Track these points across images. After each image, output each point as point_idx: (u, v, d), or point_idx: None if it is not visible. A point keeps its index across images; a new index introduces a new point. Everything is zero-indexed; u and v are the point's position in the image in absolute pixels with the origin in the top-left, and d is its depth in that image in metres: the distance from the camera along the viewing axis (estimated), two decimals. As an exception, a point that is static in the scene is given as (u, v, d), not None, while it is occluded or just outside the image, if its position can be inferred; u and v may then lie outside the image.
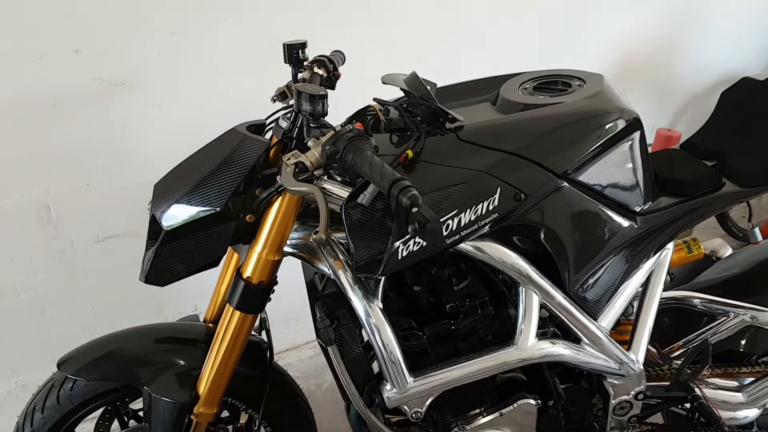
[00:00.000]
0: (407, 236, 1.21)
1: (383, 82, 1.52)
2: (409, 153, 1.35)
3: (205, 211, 1.34)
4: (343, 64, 1.85)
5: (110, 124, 2.05)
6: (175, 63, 2.09)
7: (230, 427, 1.77)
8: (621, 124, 1.48)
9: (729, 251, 2.12)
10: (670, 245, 1.68)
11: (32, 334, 2.24)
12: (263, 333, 1.66)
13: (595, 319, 1.56)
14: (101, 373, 1.54)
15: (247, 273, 1.41)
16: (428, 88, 1.46)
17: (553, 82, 1.62)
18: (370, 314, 1.39)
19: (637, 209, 1.57)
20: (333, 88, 1.72)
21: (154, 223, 1.40)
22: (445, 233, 1.34)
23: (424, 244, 1.33)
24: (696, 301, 1.94)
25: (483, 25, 2.64)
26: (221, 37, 2.12)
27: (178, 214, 1.36)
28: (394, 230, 1.21)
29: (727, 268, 2.03)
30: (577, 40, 2.96)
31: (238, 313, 1.45)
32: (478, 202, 1.34)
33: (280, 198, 1.37)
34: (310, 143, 1.28)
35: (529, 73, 1.68)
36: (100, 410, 1.69)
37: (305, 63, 1.64)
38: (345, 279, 1.39)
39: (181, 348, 1.61)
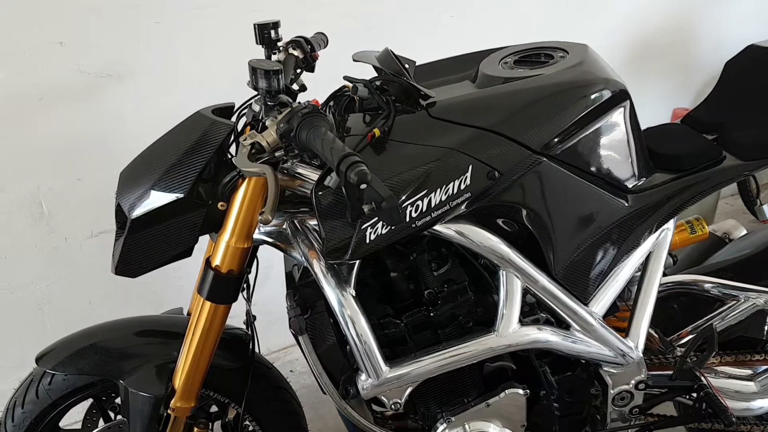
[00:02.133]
0: (364, 216, 1.15)
1: (354, 60, 1.46)
2: (376, 132, 1.29)
3: (169, 198, 1.30)
4: (325, 47, 1.80)
5: (98, 117, 2.04)
6: (162, 52, 2.06)
7: (218, 423, 1.74)
8: (605, 95, 1.39)
9: (743, 233, 2.00)
10: (670, 225, 1.58)
11: (30, 331, 2.23)
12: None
13: (586, 304, 1.48)
14: (77, 367, 1.51)
15: (216, 262, 1.37)
16: (403, 65, 1.40)
17: (535, 55, 1.53)
18: (343, 303, 1.33)
19: (629, 186, 1.48)
20: (312, 70, 1.66)
21: (121, 213, 1.36)
22: (415, 214, 1.27)
23: (393, 226, 1.27)
24: (706, 285, 1.83)
25: (484, 3, 2.56)
26: (209, 24, 2.08)
27: (142, 202, 1.32)
28: (348, 210, 1.15)
29: (739, 250, 1.92)
30: (590, 17, 2.85)
31: (209, 304, 1.40)
32: (449, 181, 1.28)
33: (245, 182, 1.32)
34: (267, 122, 1.23)
35: (512, 47, 1.60)
36: (88, 403, 1.66)
37: (279, 44, 1.59)
38: (318, 267, 1.33)
39: (159, 341, 1.58)
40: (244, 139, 1.21)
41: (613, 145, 1.44)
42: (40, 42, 1.92)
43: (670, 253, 1.72)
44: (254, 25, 1.55)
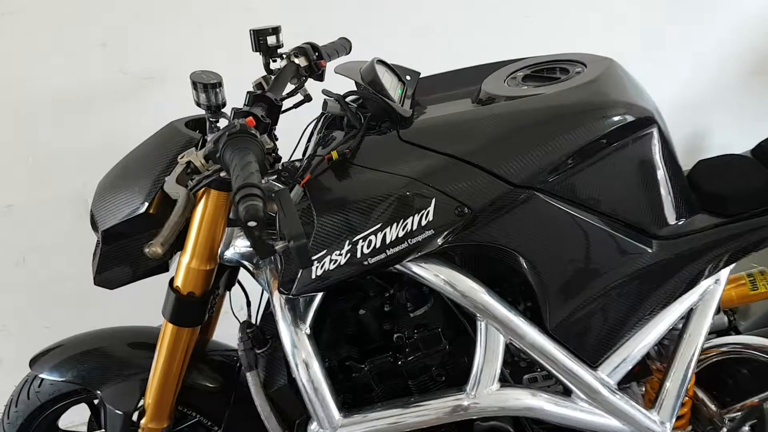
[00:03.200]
0: (276, 253, 1.00)
1: (336, 72, 1.32)
2: (333, 154, 1.14)
3: (134, 211, 1.24)
4: (347, 53, 1.66)
5: (139, 118, 2.02)
6: (202, 55, 2.01)
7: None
8: (619, 120, 1.15)
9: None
10: (722, 277, 1.29)
11: (81, 323, 2.29)
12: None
13: (594, 368, 1.24)
14: (61, 374, 1.51)
15: (177, 283, 1.29)
16: (402, 77, 1.26)
17: (549, 69, 1.31)
18: (296, 342, 1.20)
19: (656, 230, 1.22)
20: (321, 78, 1.54)
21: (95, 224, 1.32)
22: (367, 250, 1.11)
23: (342, 262, 1.12)
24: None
25: (566, 6, 2.29)
26: (250, 26, 2.01)
27: (112, 214, 1.27)
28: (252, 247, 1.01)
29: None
30: (692, 24, 2.47)
31: (171, 326, 1.33)
32: (407, 215, 1.10)
33: (203, 197, 1.22)
34: (208, 139, 1.12)
35: (529, 58, 1.38)
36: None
37: (280, 51, 1.48)
38: (276, 299, 1.21)
39: (144, 355, 1.53)
40: (181, 157, 1.11)
41: (633, 180, 1.19)
42: (83, 43, 1.94)
43: (725, 311, 1.43)
44: (250, 31, 1.45)
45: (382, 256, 1.11)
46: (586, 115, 1.13)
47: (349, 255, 1.11)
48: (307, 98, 1.51)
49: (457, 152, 1.11)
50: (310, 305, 1.21)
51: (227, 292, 1.47)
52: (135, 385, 1.46)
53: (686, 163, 1.32)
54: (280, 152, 1.26)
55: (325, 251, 1.12)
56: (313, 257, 1.12)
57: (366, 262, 1.11)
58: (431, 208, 1.10)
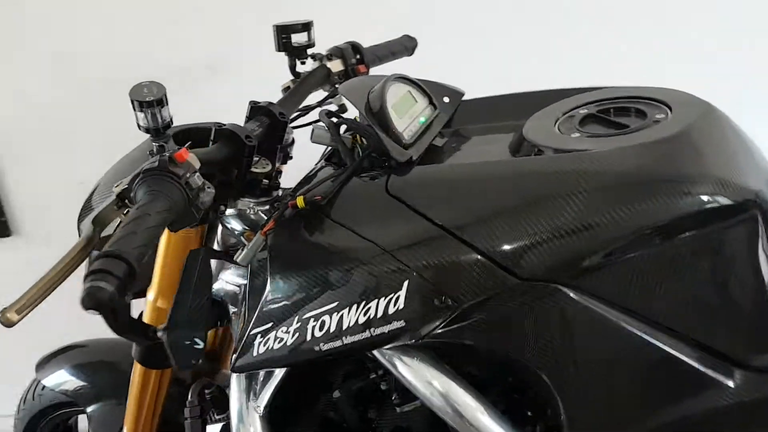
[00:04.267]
0: (157, 339, 0.78)
1: (339, 93, 1.06)
2: (299, 201, 0.89)
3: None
4: (408, 53, 1.39)
5: (194, 108, 1.89)
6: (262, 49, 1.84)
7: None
8: (700, 202, 0.78)
9: None
10: None
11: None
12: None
13: None
14: (57, 384, 1.43)
15: (145, 320, 1.11)
16: (437, 98, 0.98)
17: (620, 110, 0.94)
18: (243, 419, 0.98)
19: (742, 357, 0.84)
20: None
21: None
22: (319, 333, 0.85)
23: (289, 342, 0.87)
24: None
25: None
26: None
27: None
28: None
29: None
30: None
31: (139, 366, 1.16)
32: (370, 297, 0.83)
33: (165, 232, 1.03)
34: None
35: (604, 89, 1.01)
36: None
37: (309, 51, 1.24)
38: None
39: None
40: (116, 186, 0.91)
41: (713, 284, 0.82)
42: (139, 35, 1.83)
43: None
44: (273, 26, 1.22)
45: (338, 344, 0.85)
46: (649, 188, 0.78)
47: (297, 335, 0.86)
48: (342, 108, 1.26)
49: (450, 223, 0.81)
50: (268, 380, 0.98)
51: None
52: (121, 412, 1.33)
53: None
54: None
55: (270, 324, 0.88)
56: (256, 329, 0.88)
57: (317, 348, 0.86)
58: (402, 293, 0.81)
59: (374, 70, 1.32)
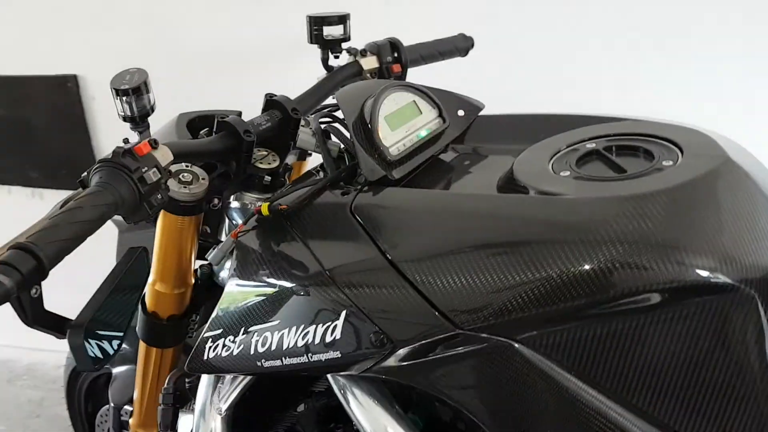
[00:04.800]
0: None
1: (334, 97, 1.00)
2: (263, 208, 0.86)
3: None
4: (462, 54, 1.31)
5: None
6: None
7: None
8: (684, 279, 0.66)
9: None
10: None
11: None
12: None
13: None
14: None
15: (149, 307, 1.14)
16: (450, 111, 0.92)
17: (626, 148, 0.82)
18: (204, 417, 0.97)
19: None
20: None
21: None
22: (261, 349, 0.83)
23: (234, 352, 0.85)
24: None
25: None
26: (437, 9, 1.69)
27: None
28: None
29: None
30: None
31: (143, 344, 1.19)
32: (309, 322, 0.78)
33: (162, 217, 1.04)
34: None
35: (623, 122, 0.89)
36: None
37: (343, 45, 1.19)
38: None
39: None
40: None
41: (681, 365, 0.70)
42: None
43: None
44: (307, 17, 1.18)
45: (278, 363, 0.81)
46: (620, 250, 0.67)
47: (242, 347, 0.84)
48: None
49: (398, 257, 0.75)
50: (234, 383, 0.96)
51: None
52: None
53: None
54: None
55: (220, 330, 0.86)
56: (208, 333, 0.87)
57: (260, 364, 0.83)
58: (339, 323, 0.76)
59: (417, 71, 1.26)
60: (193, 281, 1.08)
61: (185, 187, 0.96)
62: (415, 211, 0.80)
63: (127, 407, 1.40)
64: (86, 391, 1.65)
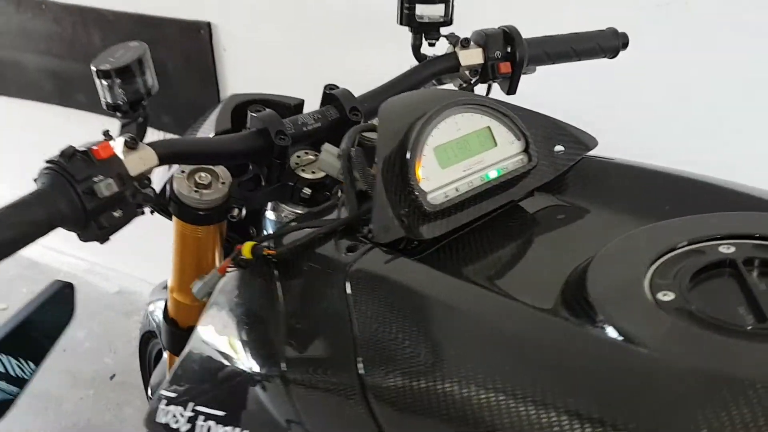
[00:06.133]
0: None
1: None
2: (245, 248, 0.65)
3: None
4: (609, 56, 1.01)
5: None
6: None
7: None
8: None
9: None
10: None
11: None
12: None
13: None
14: (152, 311, 1.40)
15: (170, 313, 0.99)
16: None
17: None
18: None
19: None
20: (510, 92, 0.94)
21: None
22: (206, 438, 0.62)
23: (181, 430, 0.66)
24: None
25: None
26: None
27: None
28: None
29: None
30: None
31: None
32: (251, 428, 0.56)
33: (175, 224, 0.87)
34: None
35: None
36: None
37: (442, 31, 0.92)
38: None
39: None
40: None
41: None
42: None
43: None
44: (398, -7, 0.92)
45: None
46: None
47: (188, 427, 0.64)
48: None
49: (370, 380, 0.50)
50: None
51: None
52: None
53: None
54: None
55: (174, 395, 0.67)
56: (164, 391, 0.68)
57: None
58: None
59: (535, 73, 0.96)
60: None
61: (196, 192, 0.78)
62: (424, 309, 0.54)
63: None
64: (156, 356, 1.59)
